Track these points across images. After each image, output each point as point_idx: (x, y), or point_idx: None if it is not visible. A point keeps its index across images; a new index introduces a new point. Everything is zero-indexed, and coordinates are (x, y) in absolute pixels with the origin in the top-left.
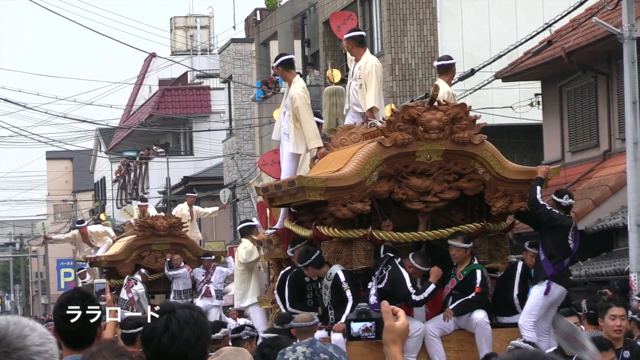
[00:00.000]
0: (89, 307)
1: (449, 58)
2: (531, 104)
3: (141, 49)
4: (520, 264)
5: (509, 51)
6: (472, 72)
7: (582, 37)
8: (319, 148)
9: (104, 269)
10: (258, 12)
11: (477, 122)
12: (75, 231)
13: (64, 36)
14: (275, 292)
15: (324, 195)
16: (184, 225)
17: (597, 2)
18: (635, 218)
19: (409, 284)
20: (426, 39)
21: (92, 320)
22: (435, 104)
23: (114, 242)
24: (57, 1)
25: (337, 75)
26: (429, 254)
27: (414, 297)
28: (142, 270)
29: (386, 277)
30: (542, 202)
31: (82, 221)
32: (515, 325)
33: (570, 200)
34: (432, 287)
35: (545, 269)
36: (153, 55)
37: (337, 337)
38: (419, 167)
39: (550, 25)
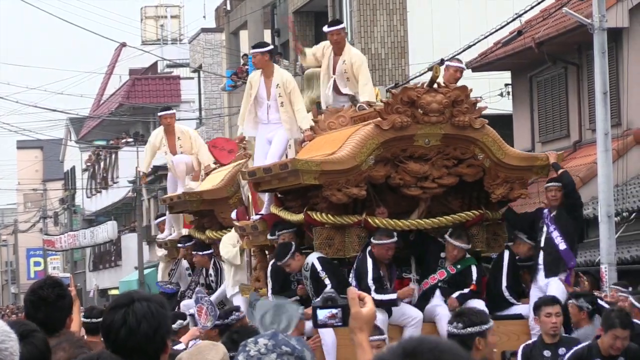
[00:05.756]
0: (60, 294)
1: (458, 61)
2: (501, 94)
3: (111, 38)
4: (507, 254)
5: (478, 41)
6: (442, 62)
7: (553, 27)
8: (305, 130)
9: (193, 215)
10: (228, 1)
11: (478, 105)
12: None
13: (34, 25)
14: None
15: (318, 179)
16: None
17: None
18: (606, 209)
19: (370, 277)
20: (396, 29)
21: (61, 308)
22: (435, 86)
23: (206, 174)
24: None
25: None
26: (418, 241)
27: (373, 294)
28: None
29: (354, 264)
30: None
31: (168, 107)
32: (511, 317)
33: None
34: (393, 297)
35: (566, 258)
36: (123, 44)
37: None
38: (417, 152)
39: (520, 16)
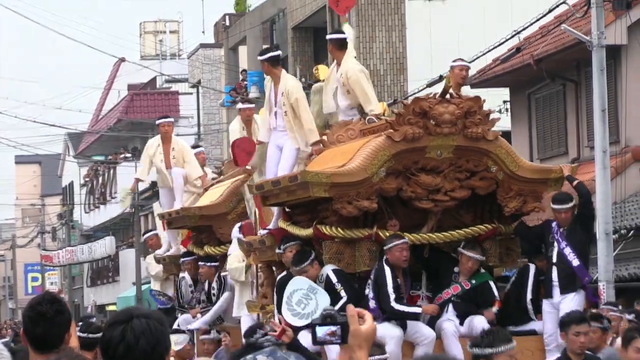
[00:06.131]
0: (58, 310)
1: (460, 60)
2: (499, 111)
3: (110, 53)
4: (532, 268)
5: (477, 58)
6: (441, 78)
7: (551, 44)
8: (314, 143)
9: (192, 231)
10: (227, 17)
11: (491, 117)
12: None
13: (34, 40)
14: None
15: (328, 192)
16: None
17: (566, 9)
18: (604, 226)
19: (390, 286)
20: (395, 45)
21: (59, 324)
22: (447, 96)
23: (204, 189)
24: (26, 5)
25: (323, 71)
26: (431, 256)
27: (392, 303)
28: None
29: (371, 276)
30: None
31: (166, 116)
32: (525, 333)
33: None
34: (418, 310)
35: (580, 274)
36: (122, 59)
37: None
38: (429, 164)
39: (519, 33)
